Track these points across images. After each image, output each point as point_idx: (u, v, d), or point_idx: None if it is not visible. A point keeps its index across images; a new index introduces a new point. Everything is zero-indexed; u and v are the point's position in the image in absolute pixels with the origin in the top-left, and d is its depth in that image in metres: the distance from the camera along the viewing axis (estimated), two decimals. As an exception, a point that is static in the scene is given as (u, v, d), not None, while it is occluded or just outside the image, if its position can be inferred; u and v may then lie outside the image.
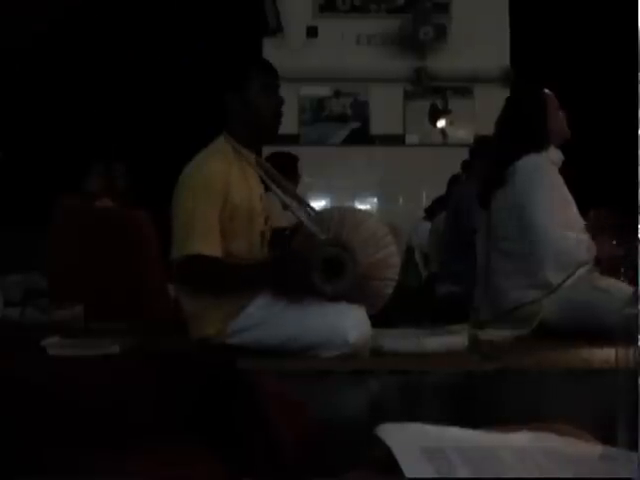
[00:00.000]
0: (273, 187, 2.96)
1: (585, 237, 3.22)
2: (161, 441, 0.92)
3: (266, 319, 2.67)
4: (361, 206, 7.76)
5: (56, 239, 3.98)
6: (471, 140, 7.25)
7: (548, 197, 3.22)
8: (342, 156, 8.00)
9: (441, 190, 6.06)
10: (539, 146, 3.33)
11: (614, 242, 3.20)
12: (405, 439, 0.74)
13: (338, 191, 7.99)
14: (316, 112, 8.10)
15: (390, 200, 7.97)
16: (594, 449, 0.82)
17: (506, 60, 7.97)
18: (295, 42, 7.94)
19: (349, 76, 7.98)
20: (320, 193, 7.80)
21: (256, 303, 2.72)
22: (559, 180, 3.34)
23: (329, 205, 7.60)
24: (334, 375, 2.38)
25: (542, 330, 3.14)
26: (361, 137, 8.08)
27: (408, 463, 0.70)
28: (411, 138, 8.11)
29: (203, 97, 5.56)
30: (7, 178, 5.32)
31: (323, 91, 8.11)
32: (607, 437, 0.93)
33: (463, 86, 8.06)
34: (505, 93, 4.04)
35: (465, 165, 5.51)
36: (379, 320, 2.83)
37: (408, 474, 0.69)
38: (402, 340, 2.76)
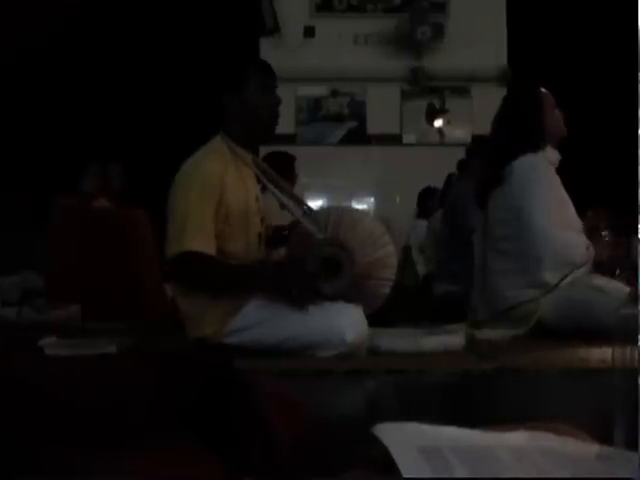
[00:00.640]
0: (270, 187, 2.96)
1: (583, 237, 3.22)
2: (159, 440, 0.92)
3: (263, 319, 2.67)
4: (358, 206, 7.76)
5: (53, 239, 3.98)
6: (468, 140, 7.27)
7: (545, 197, 3.23)
8: (339, 156, 8.00)
9: (438, 189, 6.06)
10: (536, 146, 3.33)
11: (612, 242, 3.20)
12: (402, 438, 0.74)
13: (335, 191, 7.99)
14: (313, 112, 8.10)
15: (387, 200, 7.96)
16: (591, 449, 0.82)
17: (503, 60, 7.97)
18: (292, 42, 7.93)
19: (346, 76, 7.97)
20: (317, 193, 7.79)
21: (253, 303, 2.71)
22: (556, 180, 3.34)
23: (326, 205, 7.59)
24: (331, 375, 2.37)
25: (539, 330, 3.14)
26: (358, 137, 8.08)
27: (405, 463, 0.70)
28: (408, 138, 8.10)
29: (199, 97, 5.55)
30: (4, 178, 5.32)
31: (320, 91, 8.11)
32: (604, 437, 0.93)
33: (460, 86, 8.06)
34: (502, 93, 4.03)
35: (461, 164, 5.52)
36: (376, 320, 2.83)
37: (405, 474, 0.69)
38: (399, 340, 2.77)
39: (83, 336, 2.85)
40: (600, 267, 3.26)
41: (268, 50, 7.53)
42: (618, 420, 1.00)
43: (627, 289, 2.94)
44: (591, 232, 3.27)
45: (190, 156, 2.84)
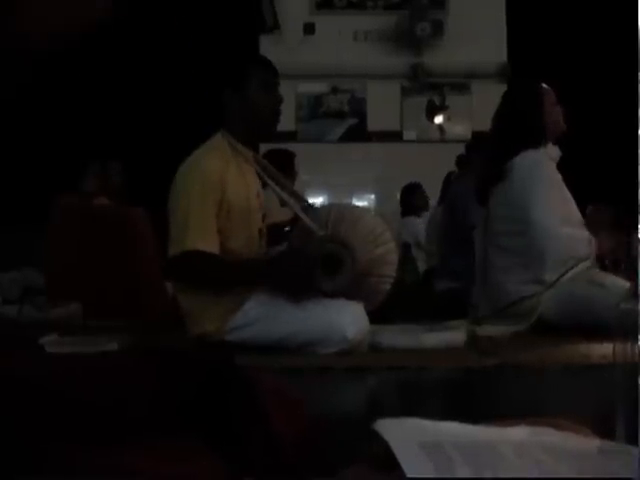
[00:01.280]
0: (271, 184, 2.96)
1: (585, 233, 3.22)
2: (159, 438, 0.92)
3: (264, 316, 2.67)
4: (359, 202, 7.77)
5: (54, 238, 3.99)
6: (469, 136, 7.26)
7: (546, 193, 3.22)
8: (339, 153, 8.00)
9: (439, 186, 6.05)
10: (536, 142, 3.33)
11: (613, 238, 3.20)
12: (403, 434, 0.74)
13: (335, 188, 7.99)
14: (313, 109, 8.10)
15: (388, 196, 7.96)
16: (593, 444, 0.82)
17: (503, 56, 7.97)
18: (292, 39, 7.94)
19: (346, 73, 7.98)
20: (318, 190, 7.80)
21: (254, 300, 2.71)
22: (557, 176, 3.34)
23: (327, 202, 7.60)
24: (332, 371, 2.37)
25: (540, 326, 3.14)
26: (358, 133, 8.08)
27: (406, 458, 0.70)
28: (408, 134, 8.11)
29: (200, 95, 5.55)
30: (4, 177, 5.32)
31: (320, 88, 8.11)
32: (605, 432, 0.93)
33: (460, 82, 8.06)
34: (502, 89, 4.02)
35: (460, 160, 5.51)
36: (377, 316, 2.83)
37: (407, 469, 0.69)
38: (401, 336, 2.77)
39: (84, 334, 2.85)
40: (602, 261, 3.26)
41: (268, 47, 7.53)
42: (619, 415, 1.00)
43: (627, 284, 2.94)
44: (591, 227, 3.26)
45: (190, 154, 2.84)
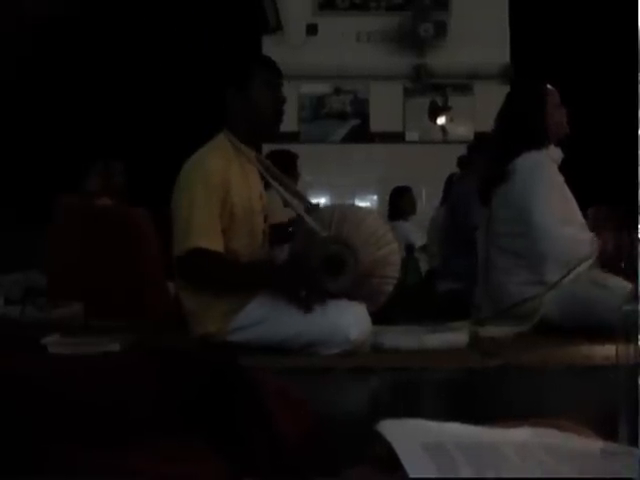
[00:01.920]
0: (274, 184, 2.96)
1: (587, 234, 3.21)
2: (162, 438, 0.92)
3: (267, 316, 2.67)
4: (361, 203, 7.77)
5: (56, 238, 3.99)
6: (471, 137, 7.25)
7: (548, 194, 3.22)
8: (342, 153, 8.00)
9: (441, 187, 6.04)
10: (539, 143, 3.32)
11: (616, 239, 3.19)
12: (405, 435, 0.74)
13: (338, 189, 7.99)
14: (316, 109, 8.10)
15: (390, 197, 7.96)
16: (595, 445, 0.82)
17: (506, 57, 7.97)
18: (295, 40, 7.94)
19: (349, 73, 7.98)
20: (320, 191, 7.80)
21: (257, 300, 2.71)
22: (559, 178, 3.34)
23: (329, 202, 7.60)
24: (335, 372, 2.37)
25: (543, 327, 3.14)
26: (361, 134, 8.08)
27: (409, 459, 0.70)
28: (411, 135, 8.11)
29: (202, 94, 5.55)
30: (7, 177, 5.32)
31: (323, 88, 8.11)
32: (608, 433, 0.92)
33: (463, 83, 8.06)
34: (505, 90, 4.02)
35: (461, 161, 5.51)
36: (380, 317, 2.83)
37: (409, 470, 0.69)
38: (403, 337, 2.76)
39: (86, 334, 2.85)
40: (605, 264, 3.25)
41: (271, 48, 7.53)
42: (621, 416, 1.00)
43: (629, 285, 2.94)
44: (594, 229, 3.26)
45: (193, 154, 2.84)
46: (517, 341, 2.95)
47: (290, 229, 3.10)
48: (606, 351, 2.37)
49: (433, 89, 8.12)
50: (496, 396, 2.08)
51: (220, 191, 2.70)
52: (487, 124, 3.84)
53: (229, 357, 1.12)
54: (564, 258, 3.19)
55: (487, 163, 3.63)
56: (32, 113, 6.76)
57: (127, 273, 3.87)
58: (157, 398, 0.98)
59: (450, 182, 5.72)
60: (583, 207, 3.39)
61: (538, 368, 2.39)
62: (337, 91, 8.11)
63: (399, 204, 6.58)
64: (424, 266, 5.49)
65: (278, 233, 3.08)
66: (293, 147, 5.31)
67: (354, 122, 8.12)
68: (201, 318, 2.73)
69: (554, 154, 3.38)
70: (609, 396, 1.06)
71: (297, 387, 1.23)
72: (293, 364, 2.39)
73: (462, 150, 5.52)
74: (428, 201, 7.12)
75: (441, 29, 7.90)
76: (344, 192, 7.94)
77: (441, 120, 8.14)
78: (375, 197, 8.15)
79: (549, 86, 3.44)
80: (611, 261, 3.22)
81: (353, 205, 5.86)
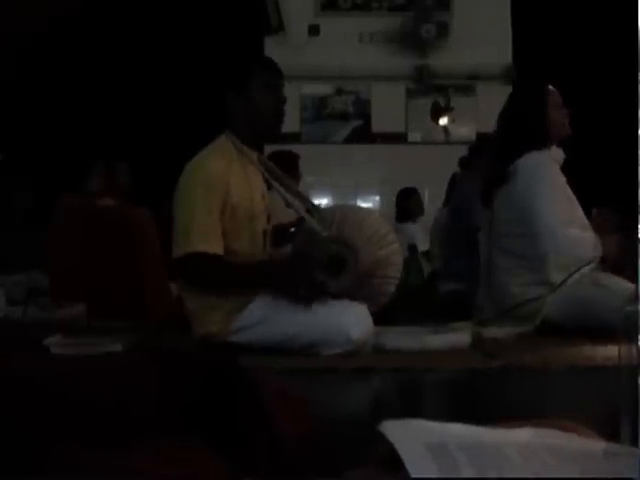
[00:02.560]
0: (276, 185, 2.96)
1: (589, 235, 3.21)
2: (163, 438, 0.92)
3: (268, 317, 2.67)
4: (363, 204, 7.77)
5: (58, 238, 3.98)
6: (473, 137, 7.27)
7: (551, 195, 3.22)
8: (344, 154, 8.00)
9: (443, 187, 6.04)
10: (540, 143, 3.32)
11: (618, 240, 3.19)
12: (408, 435, 0.74)
13: (340, 189, 7.99)
14: (318, 110, 8.10)
15: (392, 198, 7.96)
16: (597, 445, 0.82)
17: (508, 57, 7.96)
18: (297, 40, 7.93)
19: (351, 74, 7.97)
20: (322, 191, 7.80)
21: (258, 301, 2.72)
22: (561, 178, 3.34)
23: (331, 203, 7.60)
24: (337, 373, 2.37)
25: (545, 327, 3.14)
26: (363, 135, 8.08)
27: (412, 460, 0.70)
28: (413, 136, 8.10)
29: (205, 95, 5.56)
30: (9, 178, 5.32)
31: (325, 89, 8.11)
32: (610, 433, 0.92)
33: (465, 84, 8.06)
34: (507, 90, 4.02)
35: (463, 162, 5.50)
36: (382, 318, 2.83)
37: (412, 471, 0.69)
38: (405, 338, 2.76)
39: (88, 335, 2.85)
40: (608, 265, 3.25)
41: (273, 48, 7.53)
42: (624, 417, 1.00)
43: (631, 286, 2.94)
44: (596, 230, 3.26)
45: (195, 155, 2.84)
46: (519, 342, 2.95)
47: (291, 230, 3.10)
48: (608, 352, 2.38)
49: (435, 90, 8.12)
50: (498, 397, 2.08)
51: (221, 193, 2.70)
52: (489, 125, 3.84)
53: (230, 358, 1.12)
54: (567, 258, 3.19)
55: (489, 164, 3.63)
56: (36, 113, 6.77)
57: (129, 274, 3.86)
58: (158, 398, 0.98)
59: (453, 182, 5.72)
60: (585, 207, 3.38)
61: (540, 369, 2.39)
62: (339, 92, 8.11)
63: (406, 206, 6.57)
64: (427, 268, 5.49)
65: (280, 234, 3.08)
66: (295, 148, 5.31)
67: (356, 123, 8.12)
68: (203, 319, 2.73)
69: (556, 155, 3.38)
70: (611, 396, 1.06)
71: (298, 388, 1.23)
72: (294, 364, 2.39)
73: (464, 151, 5.52)
74: (431, 202, 7.10)
75: (443, 30, 7.91)
76: (346, 193, 7.94)
77: (443, 121, 8.13)
78: (377, 198, 8.14)
79: (551, 87, 3.44)
80: (614, 262, 3.22)
81: (354, 206, 5.87)
